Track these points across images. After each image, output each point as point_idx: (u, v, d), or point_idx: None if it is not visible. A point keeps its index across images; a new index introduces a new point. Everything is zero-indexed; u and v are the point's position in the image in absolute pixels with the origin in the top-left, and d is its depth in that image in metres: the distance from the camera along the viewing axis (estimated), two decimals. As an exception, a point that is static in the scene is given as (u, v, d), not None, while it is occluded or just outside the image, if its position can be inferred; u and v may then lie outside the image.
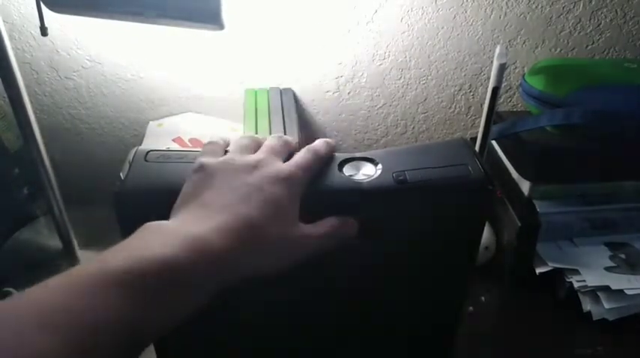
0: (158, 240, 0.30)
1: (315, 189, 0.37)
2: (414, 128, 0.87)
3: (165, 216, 0.34)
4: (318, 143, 0.39)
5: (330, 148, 0.40)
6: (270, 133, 0.66)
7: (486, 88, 0.57)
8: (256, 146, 0.39)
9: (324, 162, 0.38)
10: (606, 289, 0.59)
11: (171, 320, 0.30)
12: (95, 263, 0.28)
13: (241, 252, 0.32)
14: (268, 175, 0.35)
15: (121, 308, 0.26)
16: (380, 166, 0.38)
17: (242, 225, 0.32)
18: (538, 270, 0.62)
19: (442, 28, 0.78)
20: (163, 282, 0.28)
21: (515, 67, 0.83)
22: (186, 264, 0.29)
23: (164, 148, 0.40)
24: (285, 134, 0.65)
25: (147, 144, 0.73)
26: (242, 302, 0.41)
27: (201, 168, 0.35)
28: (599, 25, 0.80)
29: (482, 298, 0.63)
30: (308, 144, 0.39)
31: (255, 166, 0.36)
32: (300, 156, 0.38)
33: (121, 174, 0.37)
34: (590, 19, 0.79)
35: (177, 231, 0.31)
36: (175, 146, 0.70)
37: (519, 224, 0.61)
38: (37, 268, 0.66)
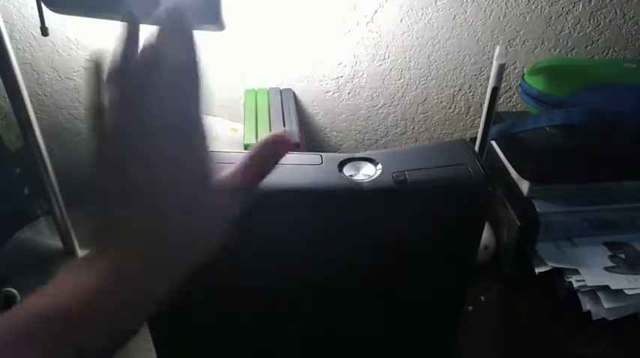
0: (78, 273, 0.29)
1: (316, 189, 0.37)
2: (414, 128, 0.87)
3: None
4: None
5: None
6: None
7: (486, 88, 0.57)
8: None
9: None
10: (606, 289, 0.59)
11: (116, 341, 0.29)
12: (23, 303, 0.27)
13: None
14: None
15: (50, 343, 0.26)
16: (380, 166, 0.38)
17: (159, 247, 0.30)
18: (537, 270, 0.62)
19: (442, 28, 0.78)
20: (89, 313, 0.27)
21: (515, 68, 0.83)
22: (109, 292, 0.28)
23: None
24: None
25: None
26: (242, 302, 0.41)
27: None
28: (598, 26, 0.80)
29: (482, 298, 0.63)
30: (308, 144, 0.39)
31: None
32: None
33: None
34: (590, 20, 0.79)
35: (95, 263, 0.29)
36: (175, 146, 0.70)
37: (519, 224, 0.61)
38: (38, 268, 0.66)
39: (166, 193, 0.30)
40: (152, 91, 0.31)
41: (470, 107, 0.86)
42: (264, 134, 0.66)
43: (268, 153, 0.33)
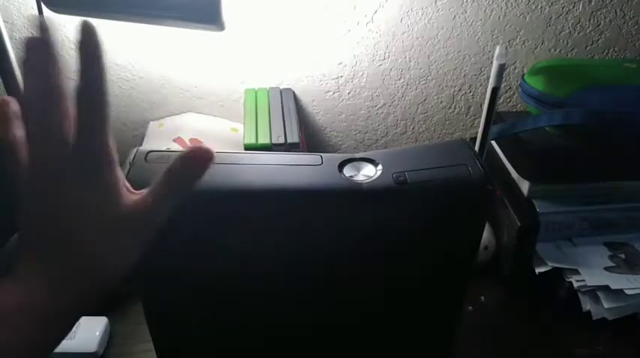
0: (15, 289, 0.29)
1: (315, 189, 0.37)
2: (414, 128, 0.87)
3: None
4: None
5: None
6: (271, 133, 0.66)
7: (486, 88, 0.57)
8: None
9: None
10: (606, 289, 0.59)
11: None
12: None
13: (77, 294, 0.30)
14: (53, 181, 0.31)
15: None
16: (380, 167, 0.38)
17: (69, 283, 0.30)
18: (537, 270, 0.62)
19: (442, 28, 0.78)
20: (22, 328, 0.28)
21: (515, 68, 0.83)
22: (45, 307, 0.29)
23: (164, 149, 0.40)
24: (285, 134, 0.66)
25: (147, 145, 0.73)
26: (242, 302, 0.41)
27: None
28: (598, 26, 0.80)
29: (482, 298, 0.63)
30: (308, 144, 0.39)
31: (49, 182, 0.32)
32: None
33: (121, 175, 0.37)
34: (590, 20, 0.79)
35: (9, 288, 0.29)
36: (176, 146, 0.70)
37: (519, 224, 0.61)
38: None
39: (73, 218, 0.30)
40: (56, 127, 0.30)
41: (470, 107, 0.86)
42: (263, 135, 0.66)
43: (185, 168, 0.32)
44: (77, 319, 0.31)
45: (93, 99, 0.31)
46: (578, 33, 0.80)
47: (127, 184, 0.32)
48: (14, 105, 0.31)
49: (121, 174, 0.32)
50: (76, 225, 0.30)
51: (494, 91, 0.55)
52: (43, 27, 0.29)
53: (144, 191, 0.32)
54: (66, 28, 0.73)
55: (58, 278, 0.30)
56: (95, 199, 0.30)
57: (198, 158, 0.32)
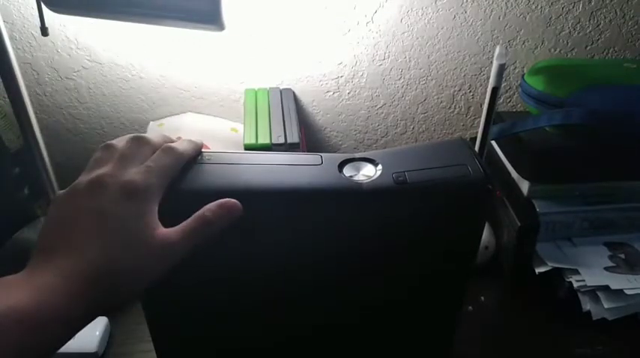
0: (4, 294, 0.29)
1: (315, 189, 0.37)
2: (413, 128, 0.87)
3: (165, 215, 0.34)
4: (180, 143, 0.37)
5: (195, 147, 0.38)
6: (271, 133, 0.66)
7: (486, 88, 0.57)
8: (139, 152, 0.36)
9: (184, 161, 0.36)
10: (606, 289, 0.59)
11: None
12: None
13: (90, 294, 0.30)
14: (113, 192, 0.32)
15: None
16: (380, 167, 0.38)
17: (88, 268, 0.30)
18: (537, 270, 0.62)
19: (442, 28, 0.78)
20: (11, 333, 0.27)
21: (515, 68, 0.83)
22: (33, 313, 0.28)
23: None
24: (285, 134, 0.66)
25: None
26: (242, 302, 0.41)
27: (53, 202, 0.33)
28: (598, 26, 0.80)
29: (482, 298, 0.63)
30: (308, 144, 0.39)
31: (100, 184, 0.33)
32: (155, 158, 0.35)
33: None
34: (590, 20, 0.79)
35: (24, 282, 0.30)
36: (175, 146, 0.70)
37: (519, 224, 0.61)
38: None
39: (110, 230, 0.32)
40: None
41: (470, 107, 0.86)
42: (263, 135, 0.66)
43: (215, 218, 0.34)
44: (83, 325, 0.31)
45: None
46: (578, 33, 0.80)
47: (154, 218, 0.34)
48: None
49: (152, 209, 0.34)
50: (112, 236, 0.32)
51: (494, 91, 0.55)
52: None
53: (175, 228, 0.34)
54: (66, 28, 0.73)
55: (75, 281, 0.30)
56: (134, 220, 0.32)
57: (229, 210, 0.35)
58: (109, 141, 0.36)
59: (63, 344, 0.30)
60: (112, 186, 0.33)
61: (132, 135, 0.37)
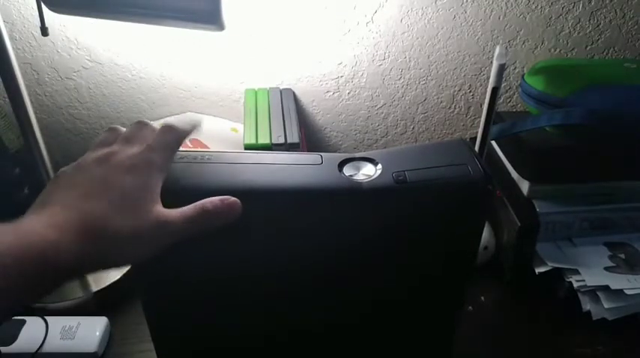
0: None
1: (316, 189, 0.37)
2: (414, 128, 0.87)
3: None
4: (178, 121, 0.38)
5: (193, 124, 0.39)
6: (270, 133, 0.66)
7: (486, 88, 0.57)
8: (141, 133, 0.37)
9: (184, 138, 0.38)
10: (606, 289, 0.59)
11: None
12: None
13: (82, 246, 0.31)
14: (116, 165, 0.34)
15: None
16: (380, 166, 0.38)
17: (83, 220, 0.31)
18: (537, 270, 0.62)
19: (442, 28, 0.78)
20: None
21: (515, 68, 0.83)
22: (19, 255, 0.28)
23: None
24: (285, 134, 0.66)
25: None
26: (242, 302, 0.41)
27: (56, 175, 0.35)
28: (598, 26, 0.80)
29: (482, 298, 0.63)
30: (308, 144, 0.39)
31: (105, 158, 0.34)
32: (156, 137, 0.36)
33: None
34: (590, 20, 0.79)
35: (12, 229, 0.30)
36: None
37: (519, 224, 0.61)
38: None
39: (106, 196, 0.32)
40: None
41: (470, 107, 0.86)
42: (263, 135, 0.66)
43: (216, 212, 0.35)
44: (70, 278, 0.31)
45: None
46: (578, 33, 0.80)
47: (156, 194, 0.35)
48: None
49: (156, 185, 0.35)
50: (111, 199, 0.32)
51: (494, 91, 0.55)
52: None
53: (174, 209, 0.34)
54: (66, 27, 0.73)
55: (67, 231, 0.30)
56: (135, 191, 0.33)
57: (230, 206, 0.35)
58: (112, 125, 0.38)
59: (48, 293, 0.30)
60: (115, 162, 0.34)
61: (135, 122, 0.38)
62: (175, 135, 0.37)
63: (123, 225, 0.32)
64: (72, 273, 0.31)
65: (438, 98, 0.84)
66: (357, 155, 0.39)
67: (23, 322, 0.55)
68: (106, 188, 0.33)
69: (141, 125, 0.38)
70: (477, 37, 0.79)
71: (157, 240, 0.33)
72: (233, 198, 0.35)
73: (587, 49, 0.82)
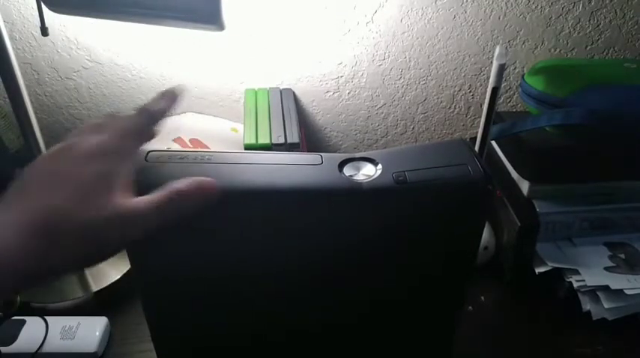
0: None
1: (316, 189, 0.37)
2: (414, 128, 0.87)
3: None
4: (153, 101, 0.38)
5: (169, 98, 0.38)
6: (270, 133, 0.66)
7: (486, 88, 0.57)
8: (111, 123, 0.36)
9: (156, 120, 0.36)
10: (606, 289, 0.59)
11: None
12: None
13: (43, 244, 0.29)
14: (76, 155, 0.33)
15: None
16: (380, 166, 0.38)
17: (40, 216, 0.30)
18: (537, 270, 0.62)
19: (442, 28, 0.78)
20: None
21: (515, 68, 0.83)
22: None
23: (164, 148, 0.40)
24: (285, 135, 0.66)
25: (147, 144, 0.73)
26: (241, 302, 0.41)
27: (20, 172, 0.33)
28: (598, 26, 0.80)
29: (482, 298, 0.63)
30: (308, 144, 0.39)
31: (65, 149, 0.33)
32: (122, 122, 0.35)
33: (121, 175, 0.37)
34: (590, 20, 0.79)
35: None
36: (176, 146, 0.70)
37: (519, 224, 0.61)
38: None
39: (62, 188, 0.31)
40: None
41: (470, 107, 0.86)
42: (263, 135, 0.66)
43: (189, 193, 0.33)
44: (36, 276, 0.30)
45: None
46: (578, 33, 0.80)
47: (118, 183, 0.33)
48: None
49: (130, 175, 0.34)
50: (67, 191, 0.31)
51: (494, 91, 0.55)
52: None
53: (142, 197, 0.33)
54: (66, 27, 0.73)
55: (26, 226, 0.30)
56: (94, 181, 0.32)
57: (200, 184, 0.34)
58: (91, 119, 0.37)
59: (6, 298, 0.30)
60: (76, 151, 0.33)
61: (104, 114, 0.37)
62: (147, 116, 0.36)
63: (80, 217, 0.30)
64: (35, 276, 0.30)
65: (438, 98, 0.84)
66: (357, 155, 0.39)
67: (23, 322, 0.55)
68: (64, 179, 0.31)
69: (112, 115, 0.37)
70: (477, 37, 0.79)
71: (123, 231, 0.32)
72: (205, 178, 0.34)
73: (587, 49, 0.82)
